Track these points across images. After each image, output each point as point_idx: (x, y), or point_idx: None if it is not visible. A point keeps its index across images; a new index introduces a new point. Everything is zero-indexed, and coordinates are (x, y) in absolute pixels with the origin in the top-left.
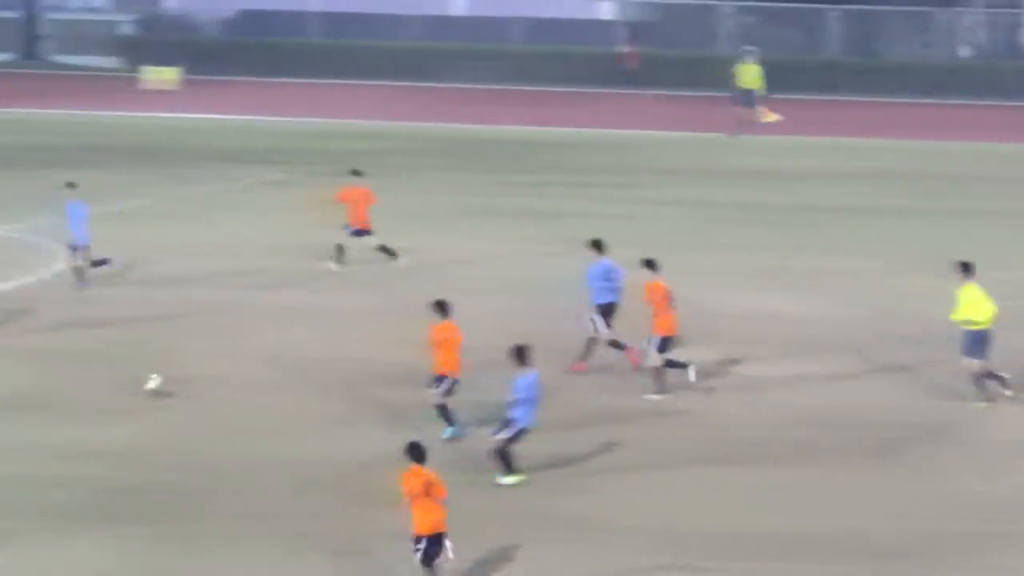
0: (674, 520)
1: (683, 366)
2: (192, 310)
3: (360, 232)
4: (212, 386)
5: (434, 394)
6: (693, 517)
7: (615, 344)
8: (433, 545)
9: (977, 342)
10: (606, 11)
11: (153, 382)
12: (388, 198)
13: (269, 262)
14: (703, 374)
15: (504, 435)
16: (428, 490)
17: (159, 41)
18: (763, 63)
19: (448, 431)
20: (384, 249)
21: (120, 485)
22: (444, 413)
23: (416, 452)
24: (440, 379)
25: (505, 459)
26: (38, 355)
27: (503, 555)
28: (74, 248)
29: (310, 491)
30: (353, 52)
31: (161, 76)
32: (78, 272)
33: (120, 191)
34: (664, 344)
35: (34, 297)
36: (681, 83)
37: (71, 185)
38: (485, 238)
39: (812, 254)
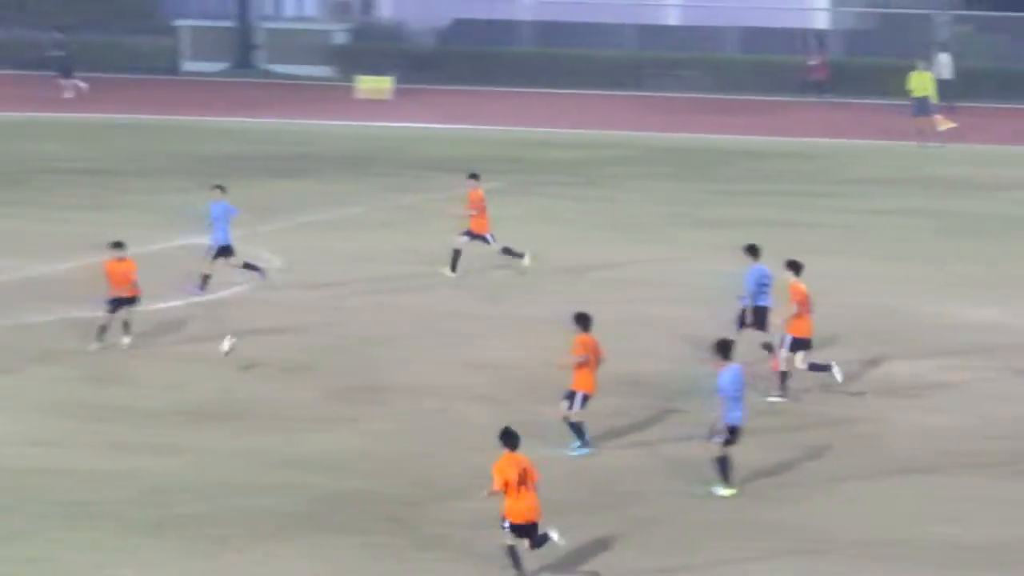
0: (890, 531)
1: (826, 368)
2: (387, 318)
3: (478, 236)
4: (412, 394)
5: (566, 411)
6: (905, 527)
7: (768, 347)
8: (520, 533)
9: None
10: (821, 20)
11: (227, 343)
12: (595, 207)
13: (466, 269)
14: (903, 382)
15: (718, 438)
16: (523, 478)
17: (372, 50)
18: (968, 71)
19: (576, 447)
20: (456, 253)
21: (327, 493)
22: (575, 428)
23: (509, 439)
24: (572, 394)
25: (724, 467)
26: (237, 363)
27: (718, 568)
28: (216, 250)
29: None
30: (564, 61)
31: (375, 85)
32: (241, 267)
33: (331, 200)
34: (796, 345)
35: (233, 305)
36: (888, 92)
37: (220, 188)
38: (684, 247)
39: (1012, 264)
